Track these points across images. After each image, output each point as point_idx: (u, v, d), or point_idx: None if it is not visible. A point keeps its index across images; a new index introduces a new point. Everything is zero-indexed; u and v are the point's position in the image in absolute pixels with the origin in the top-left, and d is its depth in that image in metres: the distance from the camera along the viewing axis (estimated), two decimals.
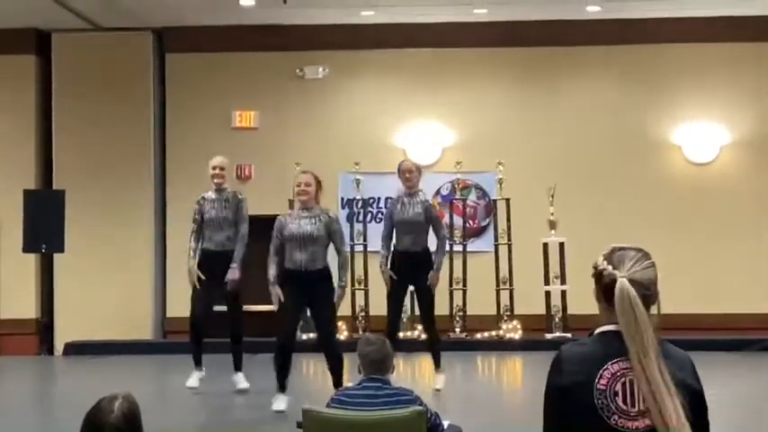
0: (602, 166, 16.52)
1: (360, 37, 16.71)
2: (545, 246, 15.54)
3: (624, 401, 3.12)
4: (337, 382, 9.70)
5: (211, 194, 11.30)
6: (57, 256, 16.25)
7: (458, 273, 15.94)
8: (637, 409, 3.11)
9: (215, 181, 11.25)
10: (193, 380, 11.25)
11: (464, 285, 15.87)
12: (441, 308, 15.66)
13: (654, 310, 3.27)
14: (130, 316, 16.42)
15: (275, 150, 16.62)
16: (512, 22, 16.48)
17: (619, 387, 3.13)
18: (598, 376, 3.17)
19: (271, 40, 16.73)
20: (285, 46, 16.76)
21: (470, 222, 16.54)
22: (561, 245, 15.35)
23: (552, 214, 15.64)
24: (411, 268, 10.86)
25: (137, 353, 15.51)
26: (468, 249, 16.08)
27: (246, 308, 15.78)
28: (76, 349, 15.90)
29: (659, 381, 3.08)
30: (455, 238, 16.13)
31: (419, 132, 16.80)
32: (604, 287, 3.24)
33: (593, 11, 16.03)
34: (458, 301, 15.90)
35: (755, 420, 9.76)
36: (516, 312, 15.70)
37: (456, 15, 16.31)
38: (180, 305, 16.62)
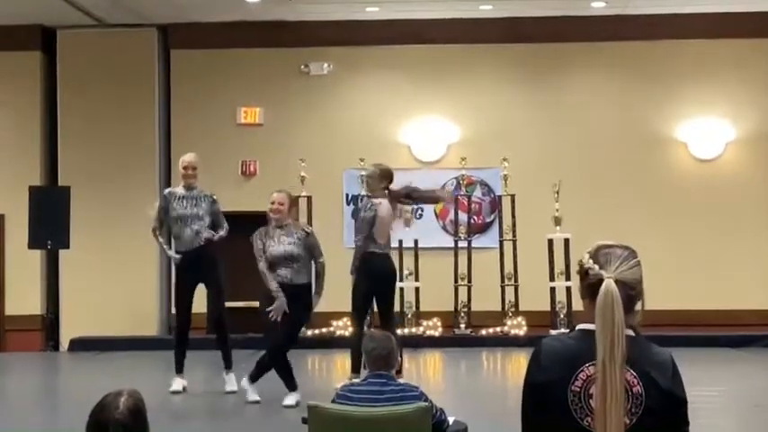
0: (608, 162, 16.51)
1: (364, 33, 16.70)
2: (550, 242, 15.52)
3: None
4: (256, 375, 10.14)
5: (180, 191, 11.07)
6: (62, 253, 16.27)
7: (463, 269, 15.95)
8: None
9: (187, 181, 11.03)
10: (177, 385, 11.03)
11: (469, 281, 15.88)
12: (446, 304, 15.73)
13: (638, 306, 3.25)
14: (136, 312, 16.43)
15: (280, 147, 16.63)
16: (517, 19, 16.46)
17: (593, 389, 3.12)
18: (573, 377, 3.17)
19: (276, 36, 16.73)
20: (290, 42, 16.75)
21: (475, 218, 16.54)
22: (566, 241, 15.34)
23: (557, 210, 15.62)
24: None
25: (142, 349, 15.51)
26: (473, 245, 16.08)
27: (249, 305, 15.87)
28: (82, 345, 15.92)
29: (616, 390, 3.06)
30: (460, 235, 16.15)
31: (424, 128, 16.79)
32: (590, 286, 3.22)
33: (597, 7, 16.02)
34: (463, 297, 15.91)
35: (763, 417, 9.75)
36: (521, 308, 15.70)
37: (461, 11, 16.30)
38: None
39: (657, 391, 3.17)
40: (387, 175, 10.92)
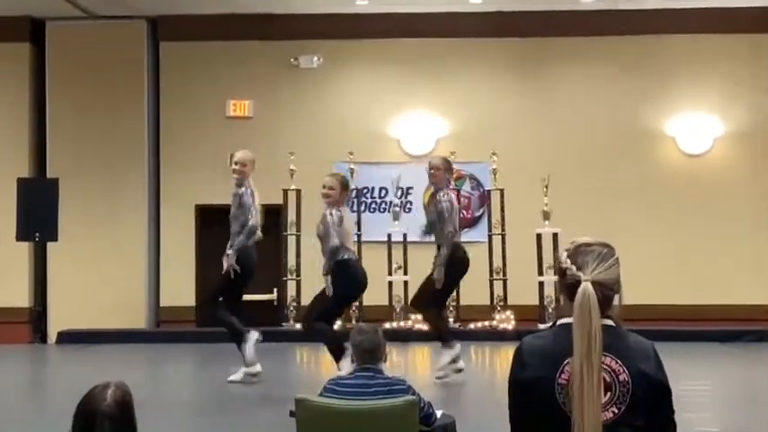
0: (597, 156, 16.53)
1: (354, 26, 16.68)
2: (539, 236, 15.54)
3: None
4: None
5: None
6: (50, 245, 16.24)
7: None
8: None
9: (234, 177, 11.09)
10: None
11: None
12: None
13: (616, 300, 3.27)
14: (124, 305, 16.40)
15: (269, 140, 16.59)
16: (506, 13, 16.47)
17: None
18: (559, 371, 3.18)
19: (265, 29, 16.71)
20: (280, 35, 16.73)
21: (464, 213, 16.53)
22: (555, 235, 15.35)
23: (546, 205, 15.64)
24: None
25: (130, 342, 15.50)
26: (461, 240, 16.06)
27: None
28: (69, 338, 15.89)
29: (593, 391, 3.08)
30: None
31: (413, 122, 16.79)
32: (568, 286, 3.25)
33: (587, 1, 16.03)
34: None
35: (751, 411, 9.78)
36: (509, 303, 15.71)
37: (451, 5, 16.29)
38: (173, 294, 16.65)
39: (645, 380, 3.19)
40: (452, 167, 11.32)
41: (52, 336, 16.28)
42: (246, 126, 16.80)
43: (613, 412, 3.15)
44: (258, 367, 10.89)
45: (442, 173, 11.02)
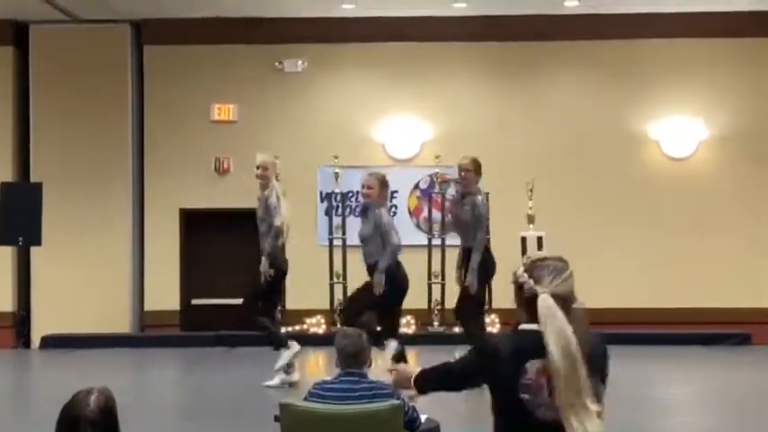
0: (581, 160, 16.55)
1: (339, 30, 16.68)
2: (523, 240, 15.54)
3: (550, 395, 3.30)
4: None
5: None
6: (34, 249, 16.17)
7: (436, 267, 15.97)
8: None
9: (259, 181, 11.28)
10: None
11: (442, 279, 15.89)
12: (419, 301, 15.72)
13: (577, 304, 3.42)
14: (108, 309, 16.34)
15: (254, 144, 16.50)
16: (491, 17, 16.48)
17: (544, 381, 3.25)
18: (523, 371, 3.35)
19: (250, 32, 16.68)
20: (264, 39, 16.71)
21: (449, 216, 16.53)
22: (539, 239, 15.37)
23: (530, 208, 15.66)
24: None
25: (114, 346, 15.46)
26: (446, 243, 16.08)
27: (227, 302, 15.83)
28: (53, 342, 15.84)
29: (581, 379, 3.18)
30: (434, 232, 16.16)
31: (398, 126, 16.79)
32: (526, 300, 3.42)
33: (571, 6, 16.06)
34: (436, 294, 15.93)
35: (734, 414, 9.81)
36: (494, 306, 15.69)
37: (435, 9, 16.30)
38: (158, 298, 16.61)
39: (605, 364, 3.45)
40: (480, 167, 11.15)
41: (36, 340, 16.21)
42: (231, 130, 16.78)
43: None
44: (296, 376, 11.05)
45: (472, 174, 10.97)
